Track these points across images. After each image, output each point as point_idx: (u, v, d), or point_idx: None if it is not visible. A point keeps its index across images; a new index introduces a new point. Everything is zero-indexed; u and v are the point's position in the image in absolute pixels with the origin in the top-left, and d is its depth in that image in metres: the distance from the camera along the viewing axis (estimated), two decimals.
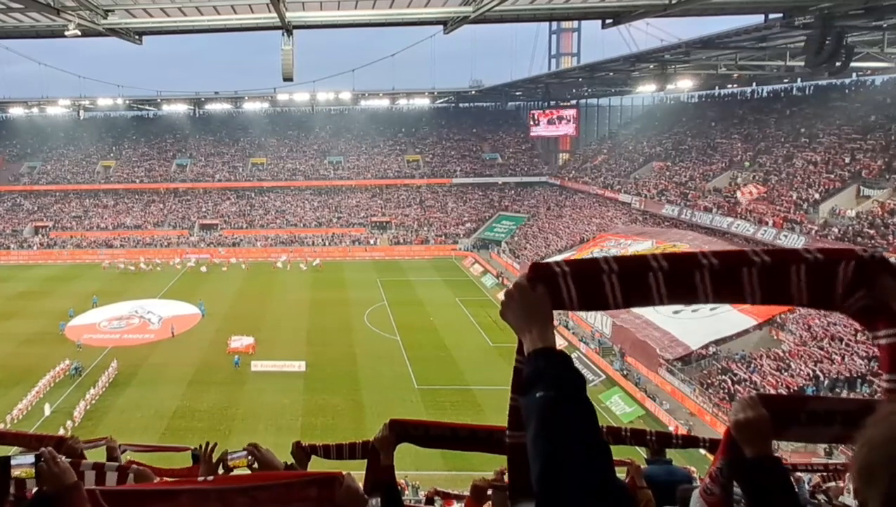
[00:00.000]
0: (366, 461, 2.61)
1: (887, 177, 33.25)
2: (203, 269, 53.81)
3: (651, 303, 1.19)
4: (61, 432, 22.36)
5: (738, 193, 39.90)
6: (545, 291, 1.19)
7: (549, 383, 1.10)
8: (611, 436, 3.29)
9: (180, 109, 70.59)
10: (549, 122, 64.86)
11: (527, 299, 1.19)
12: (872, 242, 29.52)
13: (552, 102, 66.01)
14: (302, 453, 3.22)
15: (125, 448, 5.64)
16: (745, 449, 1.29)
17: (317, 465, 3.28)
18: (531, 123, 66.53)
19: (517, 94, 67.48)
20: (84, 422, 26.20)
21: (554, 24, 68.81)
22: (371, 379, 30.26)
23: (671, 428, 25.70)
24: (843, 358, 25.10)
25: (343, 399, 28.12)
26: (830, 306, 1.15)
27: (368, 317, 40.17)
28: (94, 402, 28.09)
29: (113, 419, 26.48)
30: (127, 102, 64.57)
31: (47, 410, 27.06)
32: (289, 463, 3.12)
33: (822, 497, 6.06)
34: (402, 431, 2.38)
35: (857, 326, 27.21)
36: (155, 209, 64.92)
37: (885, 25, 22.30)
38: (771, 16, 19.94)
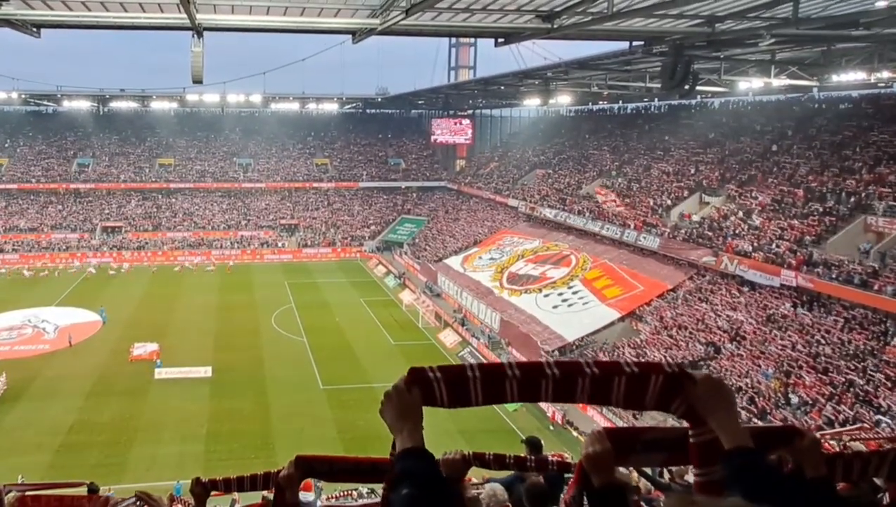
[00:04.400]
0: (265, 491, 2.55)
1: (723, 186, 36.25)
2: (91, 270, 49.16)
3: (504, 402, 1.35)
4: None
5: (598, 197, 42.25)
6: (420, 393, 1.26)
7: (413, 481, 1.16)
8: (477, 461, 3.28)
9: (83, 105, 62.99)
10: (448, 130, 65.22)
11: (403, 401, 1.25)
12: (710, 242, 31.96)
13: (451, 112, 66.34)
14: (201, 488, 3.07)
15: (10, 489, 4.88)
16: (593, 479, 1.36)
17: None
18: (432, 130, 66.54)
19: (420, 102, 67.13)
20: None
21: (453, 38, 68.76)
22: (278, 382, 28.92)
23: (549, 413, 26.81)
24: (687, 344, 27.20)
25: (250, 403, 26.63)
26: (641, 408, 1.35)
27: (276, 319, 38.44)
28: None
29: (1, 440, 23.31)
30: (23, 95, 56.66)
31: None
32: None
33: (667, 475, 6.19)
34: (307, 467, 2.35)
35: (698, 314, 29.41)
36: (53, 211, 58.18)
37: (722, 56, 24.12)
38: (634, 43, 20.51)
